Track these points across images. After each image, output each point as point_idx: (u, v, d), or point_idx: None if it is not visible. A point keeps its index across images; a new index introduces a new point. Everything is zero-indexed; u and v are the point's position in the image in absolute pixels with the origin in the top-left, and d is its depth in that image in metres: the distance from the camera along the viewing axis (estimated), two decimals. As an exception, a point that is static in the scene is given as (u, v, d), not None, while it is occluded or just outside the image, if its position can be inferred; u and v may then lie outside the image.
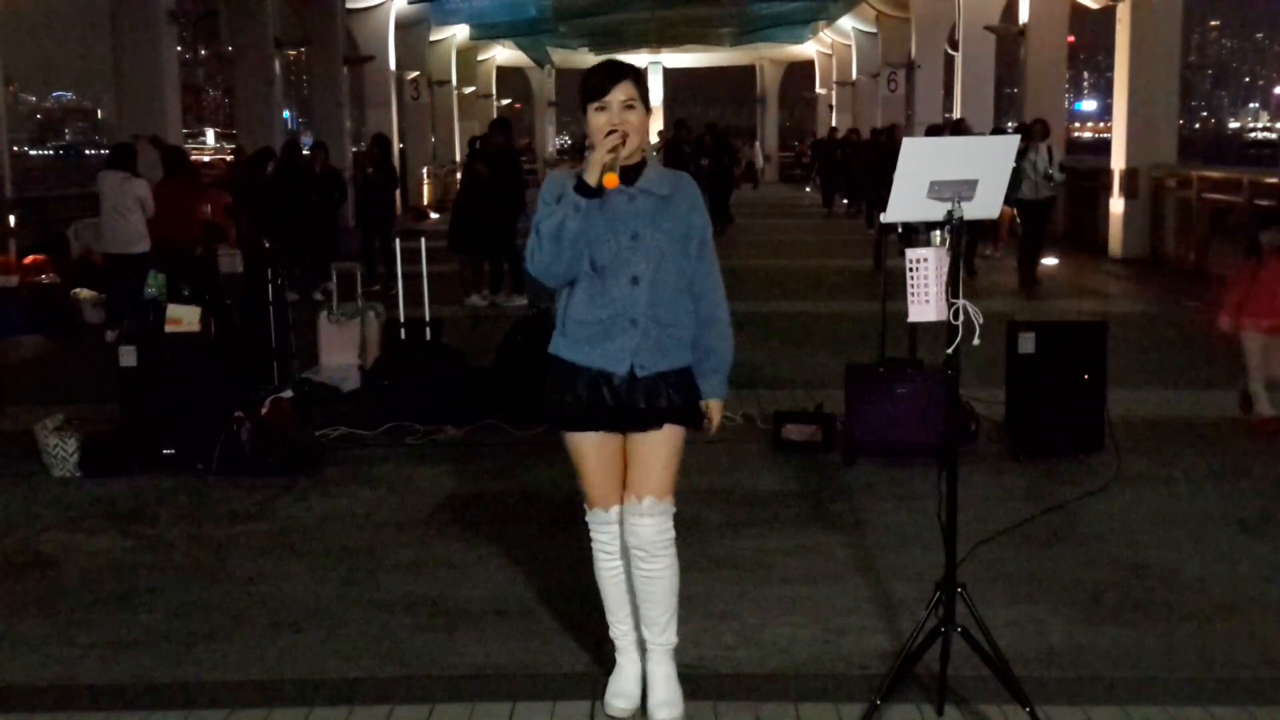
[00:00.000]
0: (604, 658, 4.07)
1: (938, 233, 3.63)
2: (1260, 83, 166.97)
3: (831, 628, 4.49)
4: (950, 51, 23.68)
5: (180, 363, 6.94)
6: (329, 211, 14.47)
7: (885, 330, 6.97)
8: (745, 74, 52.43)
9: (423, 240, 9.31)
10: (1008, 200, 13.42)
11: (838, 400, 7.07)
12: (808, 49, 41.98)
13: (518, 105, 61.72)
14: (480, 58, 39.14)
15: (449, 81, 32.84)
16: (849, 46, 36.05)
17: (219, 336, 7.33)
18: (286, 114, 28.42)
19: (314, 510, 6.09)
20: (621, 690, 3.85)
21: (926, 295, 3.69)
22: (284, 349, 8.62)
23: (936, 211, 3.58)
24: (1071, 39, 22.74)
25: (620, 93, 3.55)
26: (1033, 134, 13.76)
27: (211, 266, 11.30)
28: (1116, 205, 16.99)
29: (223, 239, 12.03)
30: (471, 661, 4.26)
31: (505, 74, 46.02)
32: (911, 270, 3.70)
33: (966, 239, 12.85)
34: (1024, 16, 20.44)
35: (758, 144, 44.07)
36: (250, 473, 6.60)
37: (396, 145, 24.68)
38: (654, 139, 25.38)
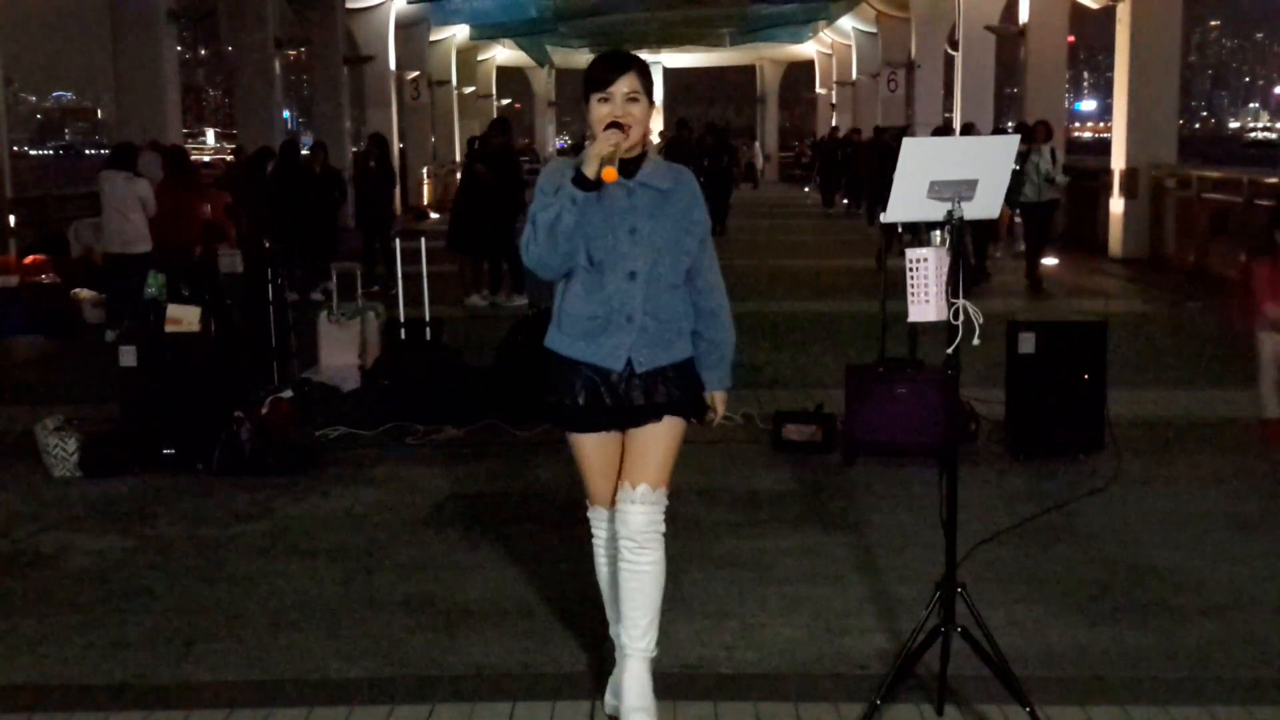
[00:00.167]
0: (604, 658, 4.07)
1: (938, 233, 3.63)
2: (1260, 83, 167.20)
3: (831, 628, 4.48)
4: (950, 51, 23.68)
5: (180, 363, 6.93)
6: (329, 212, 14.45)
7: (885, 330, 6.98)
8: (745, 74, 52.51)
9: (422, 240, 9.31)
10: (1010, 202, 13.44)
11: (838, 400, 7.08)
12: (808, 49, 42.02)
13: (518, 105, 61.82)
14: (480, 58, 39.15)
15: (449, 81, 32.82)
16: (849, 46, 36.07)
17: (219, 336, 7.32)
18: (286, 114, 28.41)
19: (314, 510, 6.09)
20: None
21: (926, 295, 3.68)
22: (284, 349, 8.61)
23: (936, 211, 3.57)
24: (1071, 39, 22.72)
25: (624, 84, 3.50)
26: (1035, 136, 13.71)
27: (211, 266, 11.31)
28: (1116, 205, 16.98)
29: (223, 239, 12.05)
30: (471, 661, 4.26)
31: (505, 74, 46.05)
32: (911, 270, 3.70)
33: (976, 243, 13.02)
34: (1024, 16, 20.43)
35: (757, 144, 44.10)
36: (250, 473, 6.59)
37: (396, 145, 24.70)
38: (654, 139, 25.34)
